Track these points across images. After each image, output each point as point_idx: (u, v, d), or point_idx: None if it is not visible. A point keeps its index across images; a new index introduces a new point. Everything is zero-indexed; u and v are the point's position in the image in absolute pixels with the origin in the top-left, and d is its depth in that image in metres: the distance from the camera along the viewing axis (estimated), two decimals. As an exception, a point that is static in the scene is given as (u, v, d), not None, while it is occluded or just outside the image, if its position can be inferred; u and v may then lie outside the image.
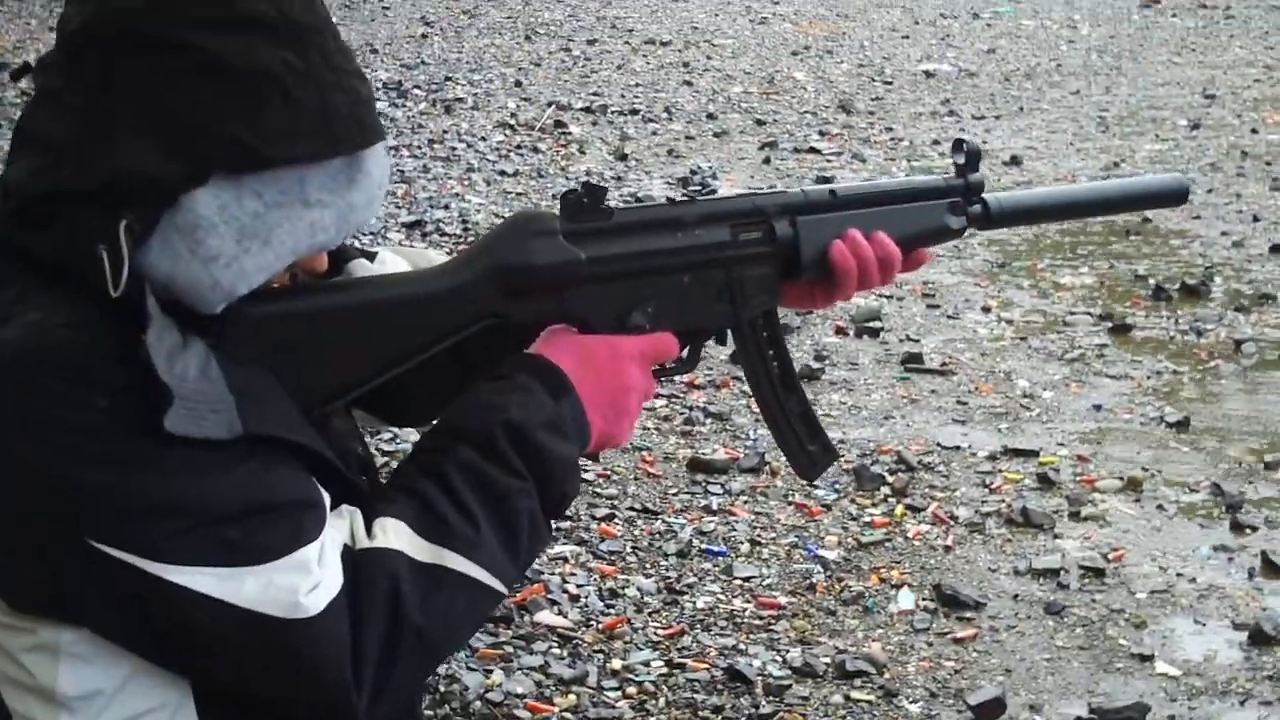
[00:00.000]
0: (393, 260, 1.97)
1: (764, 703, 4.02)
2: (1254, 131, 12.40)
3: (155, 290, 1.53)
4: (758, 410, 2.11)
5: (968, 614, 4.52)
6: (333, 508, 1.61)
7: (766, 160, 11.23)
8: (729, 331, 1.99)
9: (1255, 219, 9.46)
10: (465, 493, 1.63)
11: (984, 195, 2.15)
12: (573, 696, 4.01)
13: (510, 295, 1.77)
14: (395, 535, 1.59)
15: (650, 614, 4.49)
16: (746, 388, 2.12)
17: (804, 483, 5.13)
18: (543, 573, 4.65)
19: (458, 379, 1.84)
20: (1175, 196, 2.38)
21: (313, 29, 1.56)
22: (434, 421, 1.76)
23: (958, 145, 2.14)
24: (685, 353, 1.95)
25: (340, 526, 1.60)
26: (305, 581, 1.51)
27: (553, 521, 1.73)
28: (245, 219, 1.53)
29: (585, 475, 5.38)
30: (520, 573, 1.71)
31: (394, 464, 4.00)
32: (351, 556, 1.57)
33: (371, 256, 1.94)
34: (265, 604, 1.49)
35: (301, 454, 1.58)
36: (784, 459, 2.13)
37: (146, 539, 1.47)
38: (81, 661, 1.52)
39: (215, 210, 1.52)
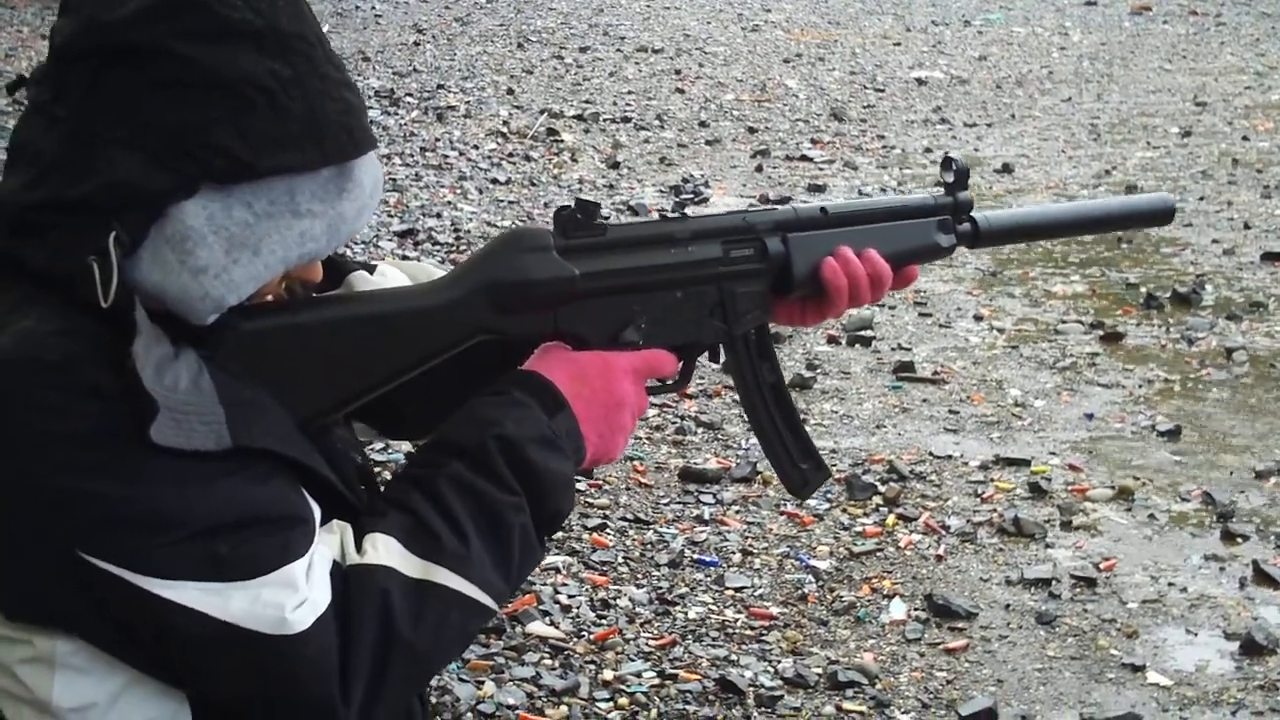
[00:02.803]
0: (392, 273, 1.97)
1: (756, 714, 4.03)
2: (1245, 139, 12.42)
3: (146, 301, 1.53)
4: (749, 423, 2.11)
5: (959, 624, 4.53)
6: (325, 521, 1.61)
7: (759, 168, 11.23)
8: (721, 347, 1.99)
9: (1246, 226, 9.48)
10: (457, 508, 1.63)
11: (973, 214, 2.15)
12: (564, 708, 4.01)
13: (503, 311, 1.78)
14: (386, 551, 1.59)
15: (642, 624, 4.49)
16: (738, 397, 2.12)
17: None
18: (535, 583, 4.65)
19: (457, 393, 1.84)
20: (1162, 215, 2.40)
21: (300, 38, 1.56)
22: (431, 435, 1.77)
23: (947, 163, 2.15)
24: (680, 369, 1.95)
25: (330, 542, 1.60)
26: (292, 598, 1.51)
27: (546, 538, 1.73)
28: (234, 229, 1.53)
29: (578, 486, 5.38)
30: (512, 589, 1.71)
31: (387, 474, 4.00)
32: (341, 572, 1.57)
33: (371, 269, 1.95)
34: (252, 619, 1.49)
35: (293, 468, 1.58)
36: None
37: (134, 552, 1.47)
38: (77, 673, 1.53)
39: (204, 221, 1.52)
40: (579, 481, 5.34)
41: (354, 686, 1.53)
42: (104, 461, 1.46)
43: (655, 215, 8.03)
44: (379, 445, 5.26)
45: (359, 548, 1.61)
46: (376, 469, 4.90)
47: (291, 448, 1.58)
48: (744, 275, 1.96)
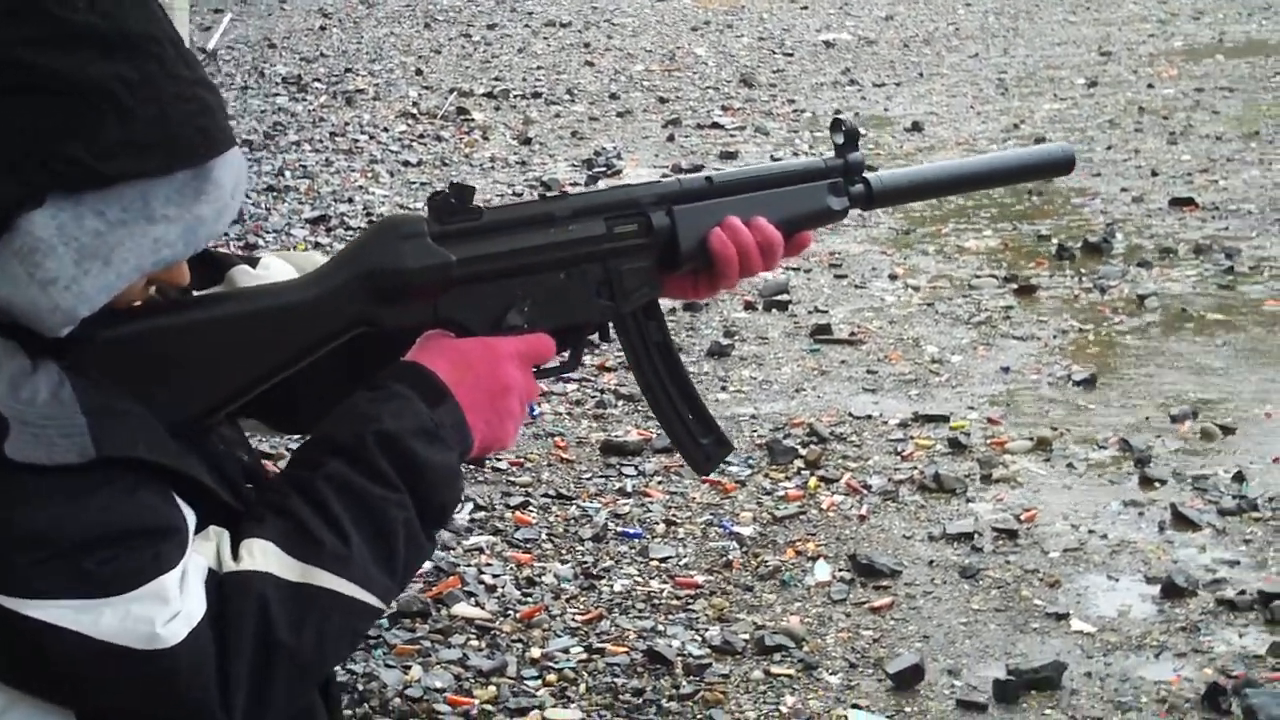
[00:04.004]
0: (277, 265, 1.93)
1: (684, 683, 4.03)
2: (1150, 86, 12.53)
3: None
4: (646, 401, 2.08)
5: (884, 582, 4.55)
6: (204, 526, 1.58)
7: (670, 138, 11.23)
8: (611, 326, 1.97)
9: (1154, 174, 9.57)
10: (335, 507, 1.60)
11: (865, 175, 2.13)
12: (492, 688, 4.00)
13: (381, 301, 1.74)
14: (263, 556, 1.56)
15: (568, 600, 4.48)
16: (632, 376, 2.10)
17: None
18: (458, 565, 4.63)
19: (346, 385, 1.81)
20: (1062, 166, 2.37)
21: (149, 39, 1.52)
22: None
23: (836, 125, 2.13)
24: (568, 351, 1.93)
25: (206, 550, 1.56)
26: (163, 611, 1.47)
27: (434, 531, 1.70)
28: (86, 239, 1.49)
29: (498, 464, 5.37)
30: (400, 586, 1.68)
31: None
32: (217, 581, 1.54)
33: (254, 262, 1.91)
34: (123, 636, 1.46)
35: (165, 475, 1.55)
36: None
37: (1, 572, 1.44)
38: None
39: (54, 231, 1.48)
40: (499, 457, 5.33)
41: (234, 696, 1.50)
42: None
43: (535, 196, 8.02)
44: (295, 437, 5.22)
45: (235, 554, 1.57)
46: (274, 462, 4.87)
47: (161, 454, 1.54)
48: (629, 251, 1.92)
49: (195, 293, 1.76)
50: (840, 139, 2.12)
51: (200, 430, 1.67)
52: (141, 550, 1.48)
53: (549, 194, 2.05)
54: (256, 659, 1.52)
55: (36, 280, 1.48)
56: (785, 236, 2.01)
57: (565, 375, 2.00)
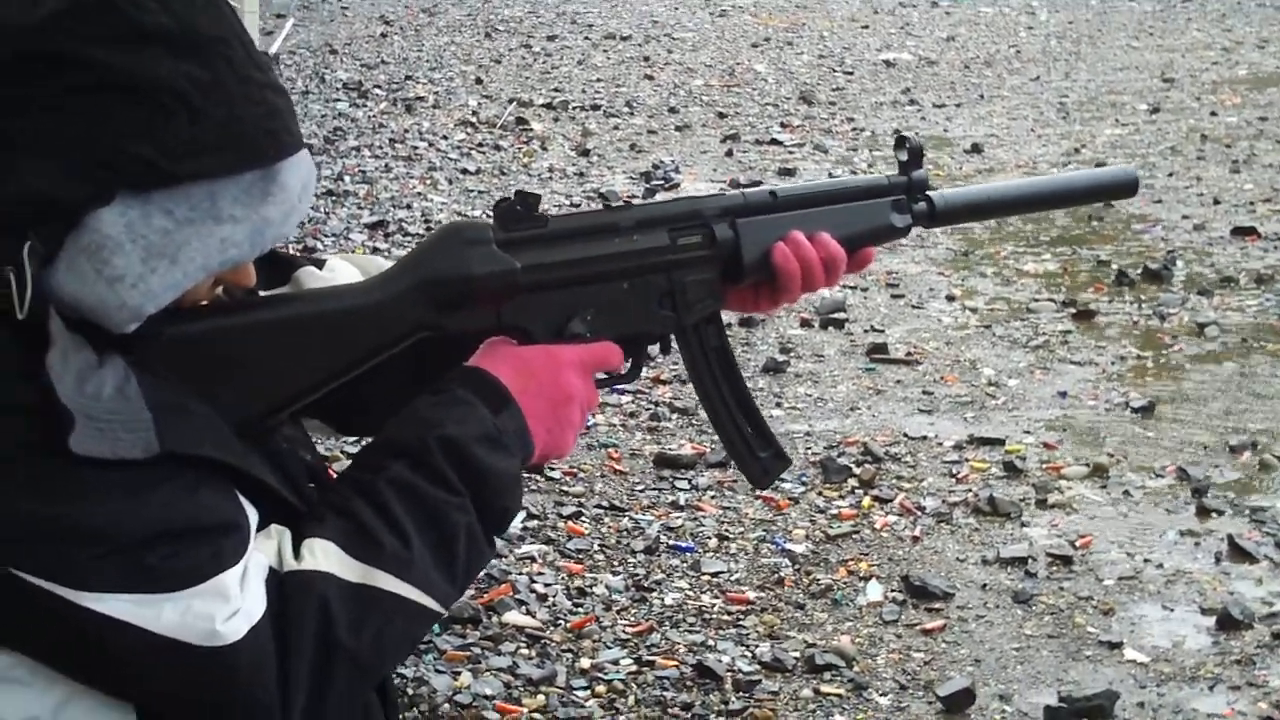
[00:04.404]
0: (342, 268, 1.93)
1: (733, 699, 4.02)
2: (1213, 114, 12.45)
3: (64, 310, 1.50)
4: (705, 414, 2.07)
5: (936, 605, 4.52)
6: (265, 525, 1.59)
7: (729, 153, 11.22)
8: (672, 338, 1.96)
9: (1216, 202, 9.50)
10: (397, 510, 1.59)
11: (929, 193, 2.12)
12: (541, 697, 4.00)
13: (445, 307, 1.74)
14: (324, 557, 1.56)
15: (619, 612, 4.48)
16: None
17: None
18: (510, 573, 4.63)
19: (409, 389, 1.81)
20: (1125, 188, 2.36)
21: (219, 40, 1.52)
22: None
23: (900, 142, 2.11)
24: (629, 361, 1.92)
25: (267, 549, 1.56)
26: (224, 608, 1.47)
27: (495, 537, 1.70)
28: (153, 237, 1.49)
29: (552, 473, 5.37)
30: (460, 590, 1.67)
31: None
32: (278, 580, 1.54)
33: (320, 264, 1.91)
34: (183, 631, 1.46)
35: (227, 473, 1.55)
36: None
37: (63, 565, 1.43)
38: (18, 686, 1.49)
39: (122, 229, 1.48)
40: (553, 467, 5.34)
41: (294, 696, 1.50)
42: (25, 477, 1.42)
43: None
44: (352, 440, 5.23)
45: (297, 554, 1.57)
46: (334, 465, 4.89)
47: (224, 452, 1.54)
48: (693, 263, 1.91)
49: (261, 293, 1.76)
50: (904, 156, 2.10)
51: (263, 430, 1.67)
52: (203, 546, 1.48)
53: (613, 204, 2.05)
54: (317, 659, 1.52)
55: (104, 277, 1.49)
56: (848, 252, 2.00)
57: (624, 386, 2.00)
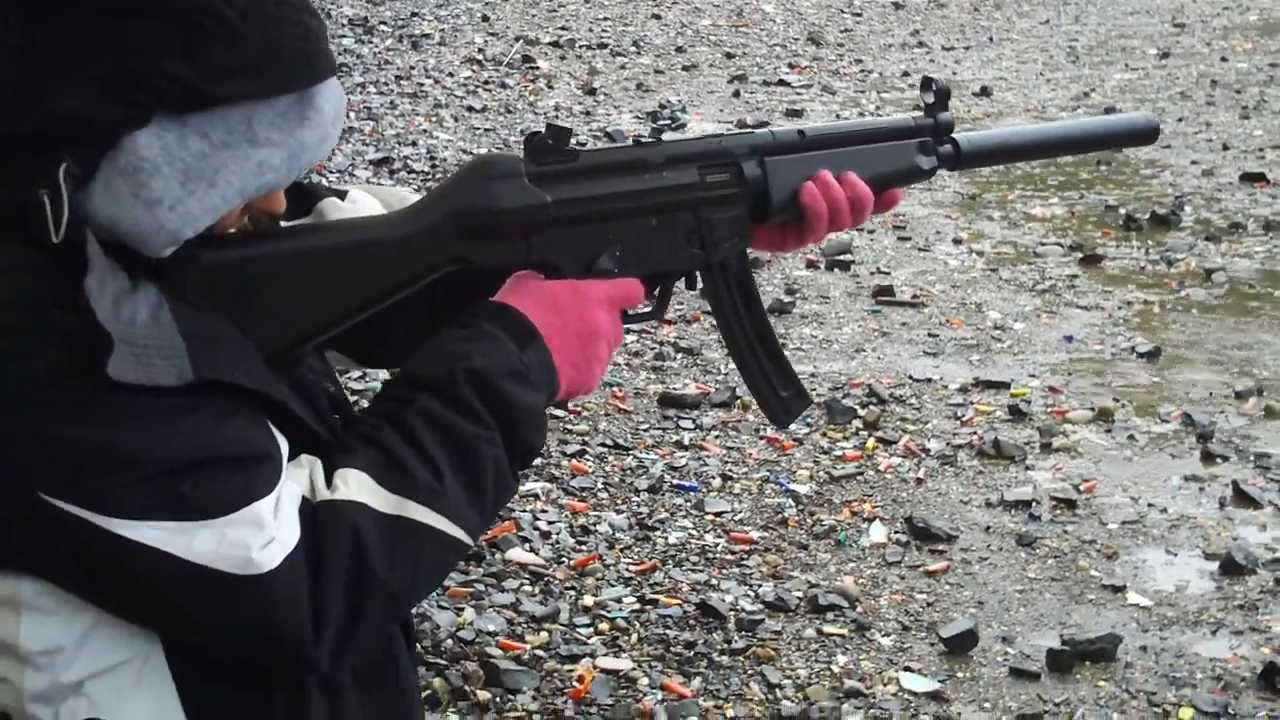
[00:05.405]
0: (365, 199, 1.92)
1: (736, 637, 4.02)
2: (1223, 60, 12.38)
3: (99, 234, 1.48)
4: (728, 352, 2.07)
5: (939, 546, 4.52)
6: (294, 456, 1.58)
7: (736, 93, 11.17)
8: (699, 275, 1.95)
9: (1225, 147, 9.46)
10: (428, 442, 1.59)
11: (954, 135, 2.11)
12: (544, 634, 4.00)
13: (473, 240, 1.73)
14: (357, 486, 1.55)
15: (622, 550, 4.48)
16: (716, 325, 2.08)
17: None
18: (514, 510, 4.63)
19: (432, 322, 1.80)
20: (1146, 135, 2.36)
21: None
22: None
23: (927, 84, 2.11)
24: (655, 297, 1.92)
25: (299, 478, 1.55)
26: (259, 537, 1.46)
27: (520, 471, 1.69)
28: (190, 160, 1.48)
29: (556, 411, 5.36)
30: (487, 523, 1.67)
31: (365, 403, 3.98)
32: (311, 509, 1.53)
33: (343, 195, 1.90)
34: (217, 559, 1.45)
35: (259, 402, 1.54)
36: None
37: (96, 492, 1.42)
38: (44, 614, 1.48)
39: (159, 152, 1.47)
40: (558, 409, 5.33)
41: (326, 625, 1.50)
42: (61, 401, 1.41)
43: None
44: (356, 374, 5.23)
45: (329, 483, 1.57)
46: (354, 398, 4.89)
47: (257, 381, 1.53)
48: (721, 201, 1.91)
49: (284, 224, 1.75)
50: (930, 98, 2.10)
51: (290, 360, 1.66)
52: (236, 475, 1.47)
53: (643, 140, 2.06)
54: (350, 590, 1.51)
55: (141, 200, 1.47)
56: (874, 193, 1.99)
57: (651, 321, 1.99)
